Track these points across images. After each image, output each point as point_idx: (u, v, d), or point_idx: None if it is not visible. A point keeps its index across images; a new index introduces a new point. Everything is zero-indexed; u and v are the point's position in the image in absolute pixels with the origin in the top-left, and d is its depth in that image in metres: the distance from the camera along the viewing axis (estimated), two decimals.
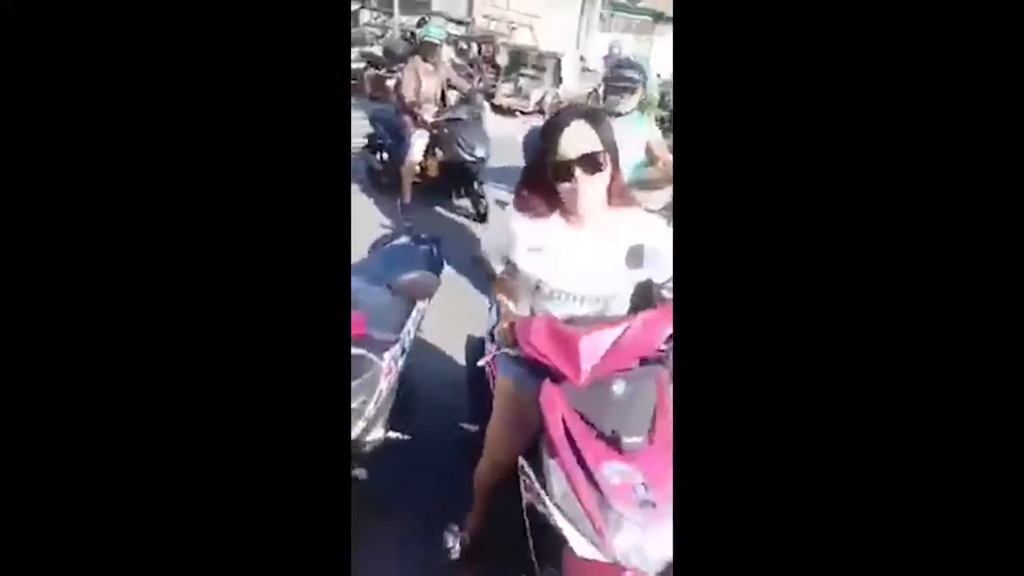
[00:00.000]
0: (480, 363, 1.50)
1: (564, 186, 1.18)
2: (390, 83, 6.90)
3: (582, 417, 1.22)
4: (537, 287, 1.30)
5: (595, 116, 1.19)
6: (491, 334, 1.45)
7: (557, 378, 1.25)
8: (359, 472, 1.76)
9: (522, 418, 1.39)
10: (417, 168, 4.36)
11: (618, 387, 1.24)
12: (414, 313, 1.95)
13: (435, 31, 4.36)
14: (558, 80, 9.42)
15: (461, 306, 3.02)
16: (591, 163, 1.15)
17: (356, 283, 1.82)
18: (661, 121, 4.73)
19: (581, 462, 1.16)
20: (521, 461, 1.36)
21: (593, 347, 1.21)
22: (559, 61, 9.55)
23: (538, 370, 1.27)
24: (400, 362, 1.85)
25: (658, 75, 7.41)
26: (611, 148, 1.18)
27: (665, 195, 2.69)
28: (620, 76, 2.69)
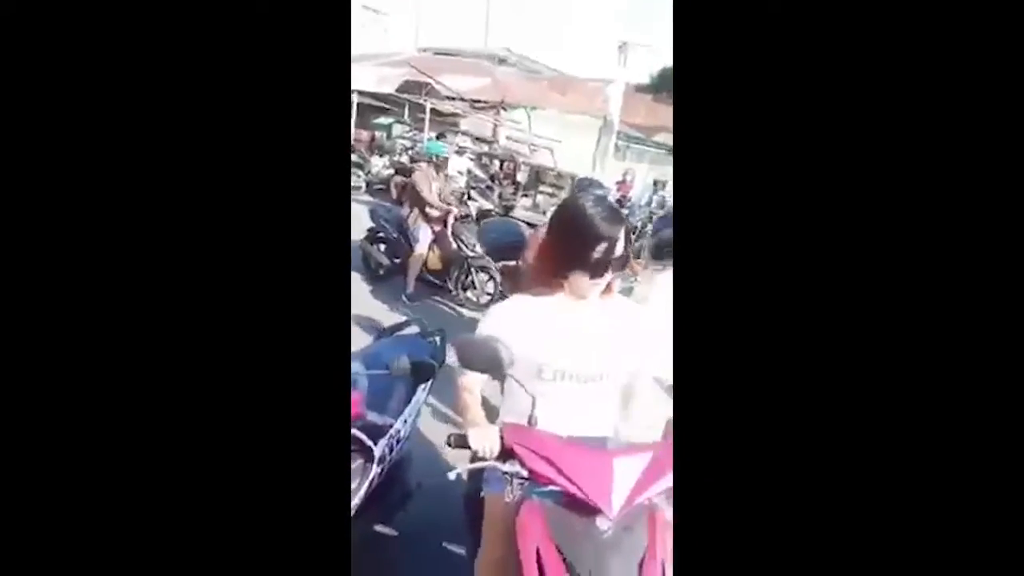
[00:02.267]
0: (451, 476, 1.18)
1: (579, 275, 1.22)
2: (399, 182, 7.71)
3: (559, 551, 1.02)
4: (538, 370, 1.27)
5: (626, 230, 1.26)
6: (450, 440, 1.20)
7: (573, 502, 1.06)
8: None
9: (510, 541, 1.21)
10: (421, 261, 4.78)
11: (603, 523, 1.02)
12: (413, 401, 1.93)
13: (436, 147, 5.23)
14: None
15: None
16: (620, 265, 1.24)
17: (356, 367, 1.83)
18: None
19: None
20: None
21: (628, 473, 1.04)
22: (575, 180, 10.05)
23: (529, 486, 1.13)
24: (396, 451, 1.80)
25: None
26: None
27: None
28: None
